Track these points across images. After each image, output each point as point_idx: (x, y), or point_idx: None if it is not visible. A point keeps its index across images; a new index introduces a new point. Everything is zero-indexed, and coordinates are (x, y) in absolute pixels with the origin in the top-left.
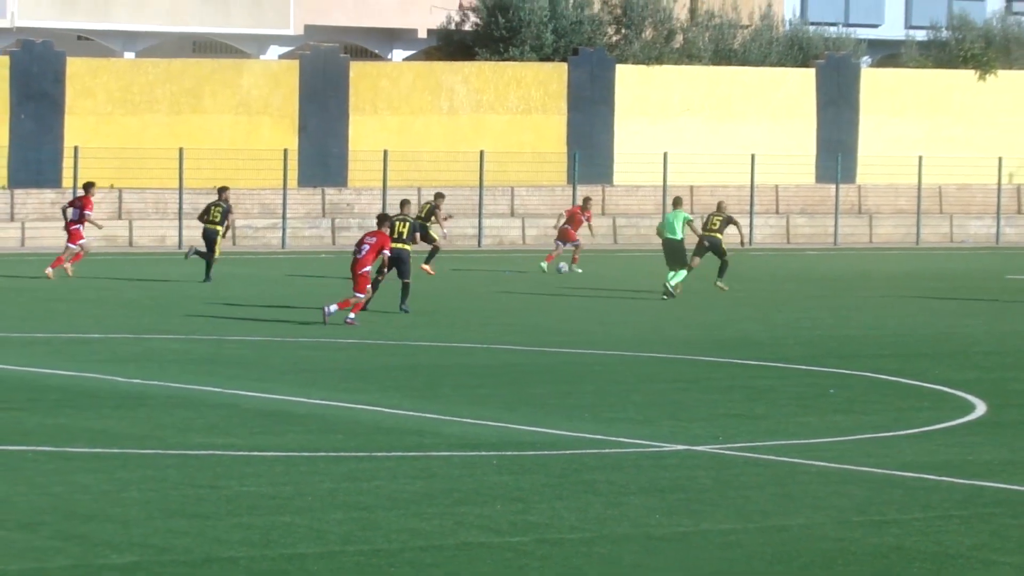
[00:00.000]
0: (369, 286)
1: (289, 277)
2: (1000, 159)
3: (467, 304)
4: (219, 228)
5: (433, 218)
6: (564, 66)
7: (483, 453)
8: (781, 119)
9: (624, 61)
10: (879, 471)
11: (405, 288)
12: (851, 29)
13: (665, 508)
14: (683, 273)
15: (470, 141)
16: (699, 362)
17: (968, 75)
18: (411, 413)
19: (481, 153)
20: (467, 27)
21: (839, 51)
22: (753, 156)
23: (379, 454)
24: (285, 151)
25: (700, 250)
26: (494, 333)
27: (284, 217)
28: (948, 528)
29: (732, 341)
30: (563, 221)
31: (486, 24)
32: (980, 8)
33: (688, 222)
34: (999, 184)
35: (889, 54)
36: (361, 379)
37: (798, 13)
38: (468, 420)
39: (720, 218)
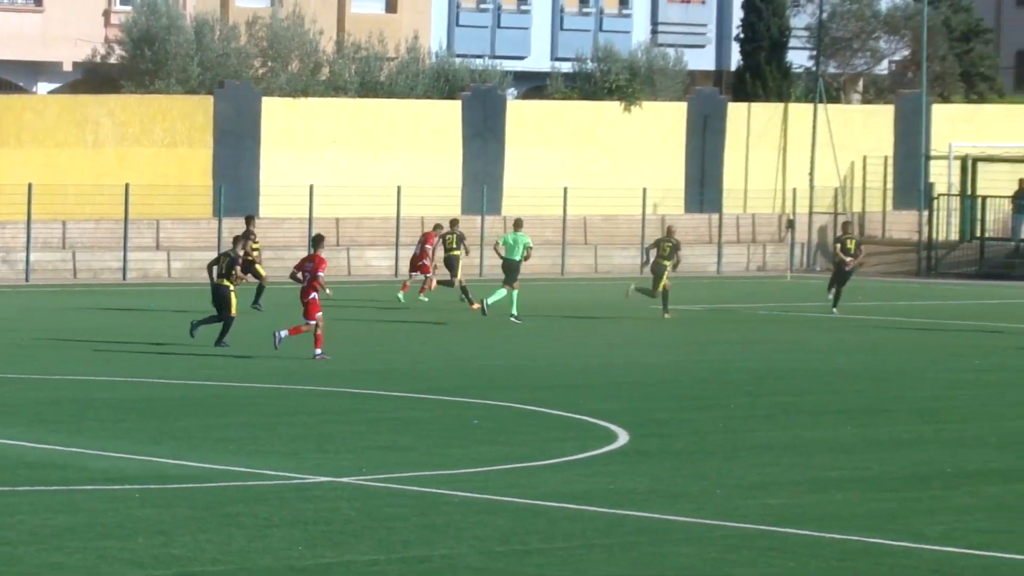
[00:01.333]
0: (319, 314)
1: None
2: (645, 190)
3: (112, 338)
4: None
5: (463, 246)
6: (210, 99)
7: (127, 487)
8: (427, 151)
9: (270, 94)
10: (522, 501)
11: (212, 318)
12: (497, 61)
13: (308, 540)
14: (502, 293)
15: (115, 174)
16: (346, 394)
17: (613, 106)
18: (55, 447)
19: (126, 186)
20: (113, 60)
21: (485, 83)
22: (399, 188)
23: (22, 488)
24: None
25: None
26: (140, 366)
27: None
28: (590, 557)
29: (379, 372)
30: (419, 249)
31: (132, 57)
32: (625, 40)
33: (528, 248)
34: (643, 215)
35: (535, 86)
36: (5, 413)
37: (444, 45)
38: (113, 454)
39: (670, 244)
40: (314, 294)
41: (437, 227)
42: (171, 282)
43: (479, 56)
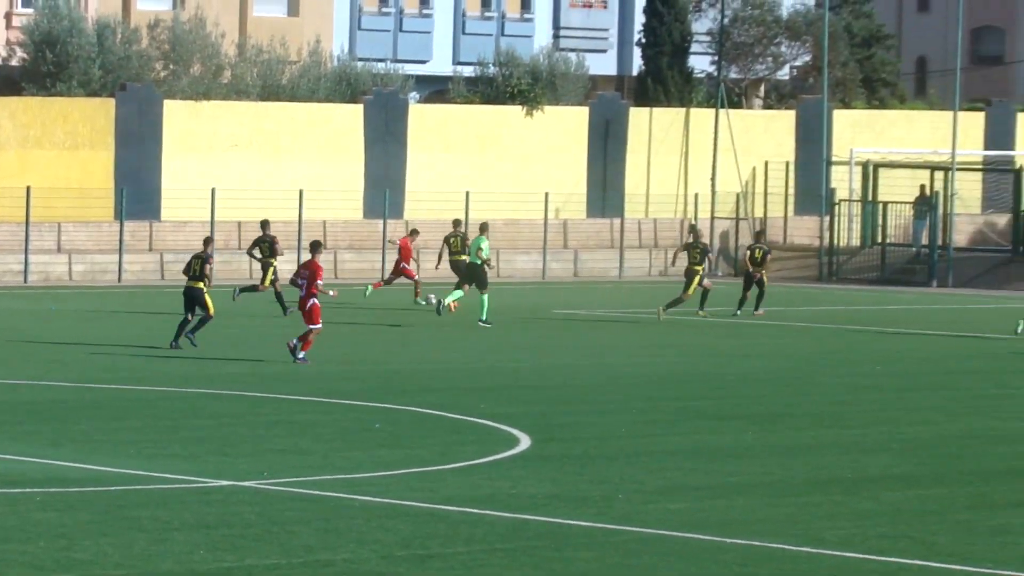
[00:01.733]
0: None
1: None
2: (547, 194)
3: (11, 340)
4: (272, 262)
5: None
6: (112, 101)
7: (27, 490)
8: (329, 154)
9: (172, 97)
10: (423, 505)
11: (201, 321)
12: (399, 65)
13: (209, 544)
14: (484, 299)
15: (17, 176)
16: (246, 397)
17: (515, 111)
18: None
19: (28, 188)
20: (14, 62)
21: (387, 87)
22: (301, 191)
23: None
24: None
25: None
26: (39, 369)
27: None
28: (491, 561)
29: (279, 376)
30: (397, 256)
31: (33, 59)
32: (527, 44)
33: (479, 249)
34: (545, 219)
35: (437, 90)
36: None
37: (346, 49)
38: (12, 457)
39: (699, 249)
40: (313, 300)
41: (414, 232)
42: (73, 284)
43: (381, 60)
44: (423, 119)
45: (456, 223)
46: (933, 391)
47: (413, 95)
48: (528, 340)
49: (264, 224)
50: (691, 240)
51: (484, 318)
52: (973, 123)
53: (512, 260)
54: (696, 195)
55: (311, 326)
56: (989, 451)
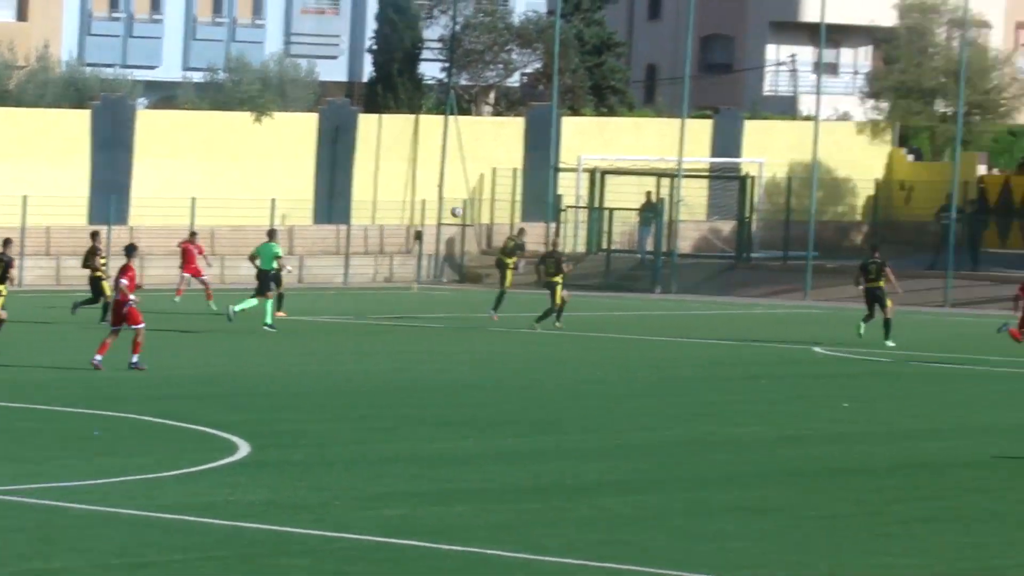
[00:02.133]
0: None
1: None
2: (273, 200)
3: None
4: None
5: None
6: None
7: None
8: (55, 160)
9: None
10: (140, 513)
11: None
12: (128, 70)
13: None
14: (253, 303)
15: None
16: None
17: (244, 117)
18: None
19: None
20: None
21: (115, 92)
22: (25, 198)
23: None
24: None
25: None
26: None
27: None
28: (207, 569)
29: (1, 383)
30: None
31: None
32: (258, 50)
33: (277, 257)
34: (272, 225)
35: (166, 96)
36: None
37: (75, 54)
38: None
39: (553, 260)
40: (128, 303)
41: (193, 235)
42: None
43: (110, 65)
44: (151, 125)
45: (271, 232)
46: (654, 397)
47: (141, 101)
48: (251, 347)
49: (93, 235)
50: (550, 250)
51: (269, 322)
52: (701, 130)
53: (237, 267)
54: (423, 202)
55: (135, 327)
56: (707, 457)
